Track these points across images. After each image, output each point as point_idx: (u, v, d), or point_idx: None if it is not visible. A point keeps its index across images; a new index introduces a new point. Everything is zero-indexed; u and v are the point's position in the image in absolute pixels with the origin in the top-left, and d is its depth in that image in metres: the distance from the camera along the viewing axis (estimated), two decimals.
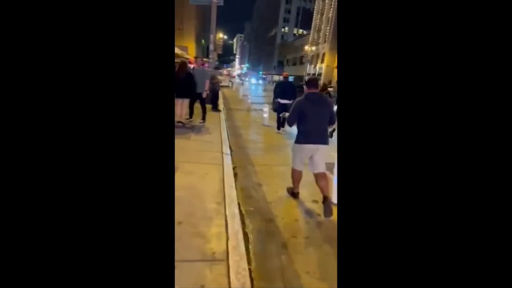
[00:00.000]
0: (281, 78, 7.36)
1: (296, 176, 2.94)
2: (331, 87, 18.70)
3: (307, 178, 2.97)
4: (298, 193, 3.02)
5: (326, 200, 2.64)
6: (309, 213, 2.74)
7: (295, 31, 66.15)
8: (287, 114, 2.98)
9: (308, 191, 3.11)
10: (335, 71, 32.76)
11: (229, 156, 4.03)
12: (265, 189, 3.21)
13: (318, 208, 2.75)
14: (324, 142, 2.78)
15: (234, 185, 3.00)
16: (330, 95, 7.50)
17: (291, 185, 3.03)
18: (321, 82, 33.36)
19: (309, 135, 2.74)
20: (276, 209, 2.76)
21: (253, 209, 2.71)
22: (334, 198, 2.80)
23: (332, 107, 2.90)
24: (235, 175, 3.42)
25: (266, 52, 70.07)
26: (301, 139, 2.79)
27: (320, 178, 2.75)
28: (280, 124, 6.27)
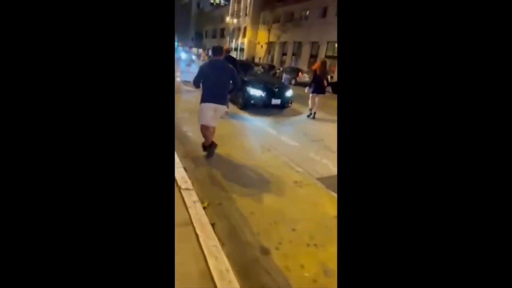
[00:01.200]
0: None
1: (205, 131, 3.36)
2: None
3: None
4: (212, 142, 3.48)
5: (209, 146, 3.46)
6: None
7: (211, 0, 62.05)
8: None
9: None
10: (258, 46, 32.25)
11: (189, 189, 2.53)
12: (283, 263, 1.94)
13: None
14: (223, 103, 3.34)
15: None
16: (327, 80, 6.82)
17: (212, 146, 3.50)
18: (244, 57, 32.77)
19: (211, 95, 3.23)
20: None
21: None
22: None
23: (234, 72, 3.36)
24: (213, 228, 2.02)
25: (181, 21, 63.82)
26: (205, 98, 3.24)
27: (207, 129, 3.33)
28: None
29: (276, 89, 6.81)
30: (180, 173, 2.78)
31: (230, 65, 3.41)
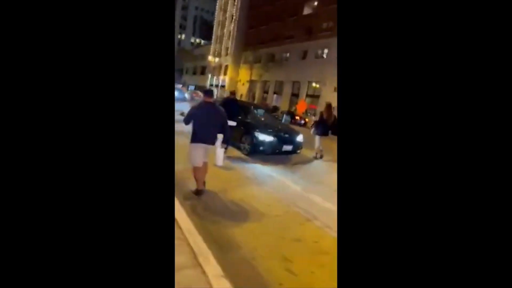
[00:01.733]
0: (225, 95, 5.73)
1: (197, 173, 3.31)
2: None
3: None
4: (202, 190, 3.36)
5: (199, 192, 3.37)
6: None
7: (192, 40, 64.29)
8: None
9: None
10: (239, 84, 32.96)
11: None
12: None
13: None
14: (212, 143, 3.40)
15: None
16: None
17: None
18: (225, 94, 33.34)
19: (200, 136, 3.27)
20: None
21: None
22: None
23: (225, 118, 3.45)
24: None
25: None
26: (194, 138, 3.27)
27: (199, 170, 3.29)
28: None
29: (287, 135, 6.29)
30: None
31: (222, 110, 3.47)
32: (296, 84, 25.63)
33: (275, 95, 28.42)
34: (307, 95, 24.21)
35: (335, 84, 21.26)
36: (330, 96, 21.20)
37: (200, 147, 3.25)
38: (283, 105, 25.52)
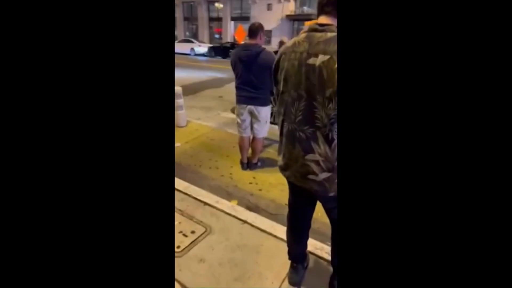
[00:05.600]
0: None
1: (240, 143, 2.94)
2: None
3: None
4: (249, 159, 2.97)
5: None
6: None
7: None
8: None
9: None
10: None
11: None
12: None
13: None
14: (260, 103, 2.72)
15: None
16: None
17: None
18: None
19: (242, 93, 2.72)
20: None
21: None
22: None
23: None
24: None
25: None
26: (236, 96, 2.75)
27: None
28: None
29: None
30: None
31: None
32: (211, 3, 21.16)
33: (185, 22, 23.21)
34: (233, 18, 20.63)
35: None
36: (262, 17, 18.49)
37: (243, 109, 2.70)
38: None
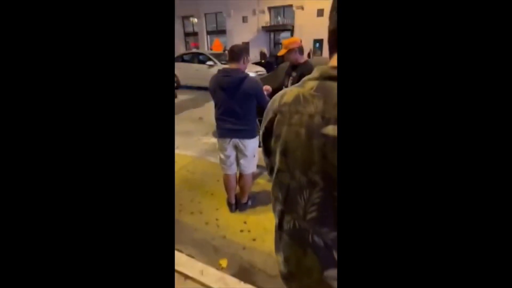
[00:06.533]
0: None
1: (225, 181, 2.55)
2: None
3: None
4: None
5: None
6: None
7: None
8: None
9: None
10: None
11: None
12: None
13: None
14: (245, 137, 2.37)
15: None
16: None
17: None
18: None
19: (224, 127, 2.40)
20: None
21: None
22: None
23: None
24: None
25: None
26: (217, 130, 2.40)
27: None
28: None
29: None
30: None
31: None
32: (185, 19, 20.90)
33: None
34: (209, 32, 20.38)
35: (242, 13, 18.42)
36: (238, 30, 18.41)
37: (226, 144, 2.36)
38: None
